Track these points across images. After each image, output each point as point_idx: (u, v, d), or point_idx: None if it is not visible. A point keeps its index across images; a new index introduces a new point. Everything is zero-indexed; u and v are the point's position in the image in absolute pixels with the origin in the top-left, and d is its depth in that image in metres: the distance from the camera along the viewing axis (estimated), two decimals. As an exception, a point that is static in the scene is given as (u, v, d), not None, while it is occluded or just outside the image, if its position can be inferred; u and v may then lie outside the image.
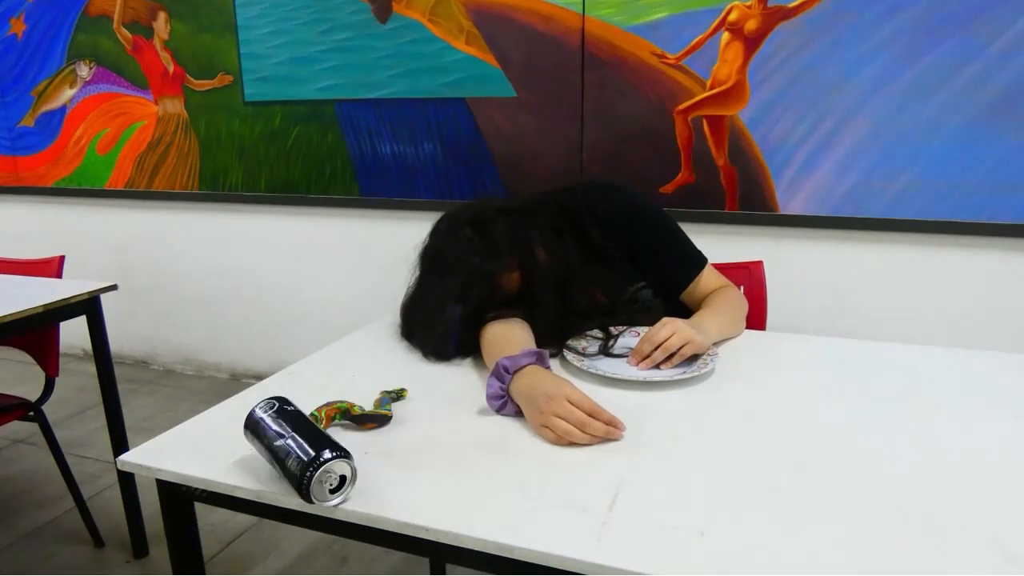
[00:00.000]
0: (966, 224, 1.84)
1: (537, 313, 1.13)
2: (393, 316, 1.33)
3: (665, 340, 1.03)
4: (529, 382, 0.90)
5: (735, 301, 1.23)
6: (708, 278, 1.26)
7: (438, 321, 1.10)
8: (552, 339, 1.12)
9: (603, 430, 0.83)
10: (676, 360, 1.03)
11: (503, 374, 0.92)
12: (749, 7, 1.90)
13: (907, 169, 1.86)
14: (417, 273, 1.19)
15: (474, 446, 0.84)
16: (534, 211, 1.19)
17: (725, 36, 1.94)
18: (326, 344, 1.17)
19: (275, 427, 0.73)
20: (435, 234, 1.17)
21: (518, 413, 0.90)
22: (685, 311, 1.22)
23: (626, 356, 1.08)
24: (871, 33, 1.81)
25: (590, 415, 0.83)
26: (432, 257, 1.15)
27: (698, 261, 1.26)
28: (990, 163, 1.79)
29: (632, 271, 1.26)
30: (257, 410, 0.76)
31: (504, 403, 0.91)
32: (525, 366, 0.92)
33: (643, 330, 1.16)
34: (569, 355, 1.07)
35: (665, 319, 1.06)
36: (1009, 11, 1.70)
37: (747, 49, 1.92)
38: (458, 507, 0.71)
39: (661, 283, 1.27)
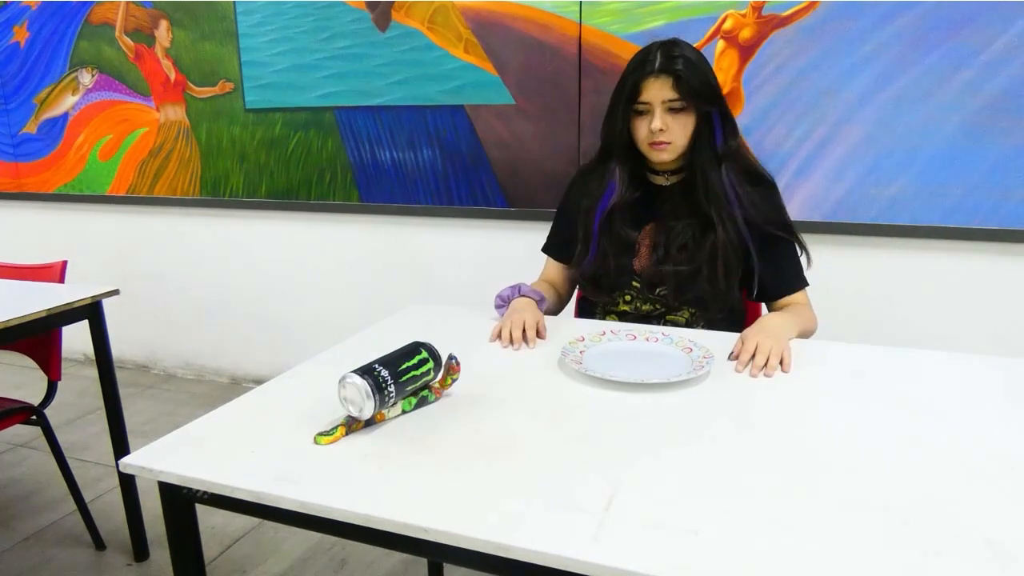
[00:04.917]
0: (959, 229, 1.86)
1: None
2: (392, 319, 1.35)
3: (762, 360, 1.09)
4: (516, 304, 1.27)
5: (808, 320, 1.29)
6: (800, 298, 1.34)
7: None
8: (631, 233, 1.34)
9: (517, 335, 1.18)
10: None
11: (514, 291, 1.31)
12: (744, 16, 1.92)
13: (900, 175, 1.88)
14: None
15: (472, 447, 0.85)
16: None
17: (720, 44, 1.96)
18: (326, 349, 1.19)
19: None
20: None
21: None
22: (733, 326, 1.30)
23: (614, 350, 1.12)
24: (864, 41, 1.83)
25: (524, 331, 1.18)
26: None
27: (803, 280, 1.35)
28: (982, 169, 1.81)
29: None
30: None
31: (504, 306, 1.30)
32: (526, 296, 1.30)
33: (638, 332, 1.19)
34: (566, 358, 1.09)
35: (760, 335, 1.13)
36: (999, 20, 1.72)
37: (742, 57, 1.94)
38: (456, 507, 0.72)
39: (764, 283, 1.33)
